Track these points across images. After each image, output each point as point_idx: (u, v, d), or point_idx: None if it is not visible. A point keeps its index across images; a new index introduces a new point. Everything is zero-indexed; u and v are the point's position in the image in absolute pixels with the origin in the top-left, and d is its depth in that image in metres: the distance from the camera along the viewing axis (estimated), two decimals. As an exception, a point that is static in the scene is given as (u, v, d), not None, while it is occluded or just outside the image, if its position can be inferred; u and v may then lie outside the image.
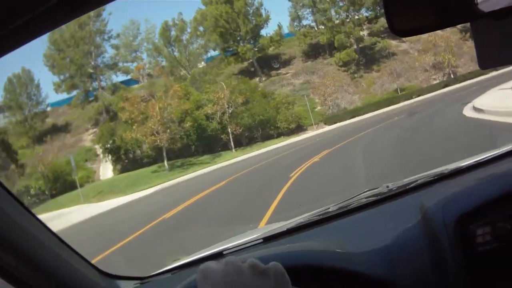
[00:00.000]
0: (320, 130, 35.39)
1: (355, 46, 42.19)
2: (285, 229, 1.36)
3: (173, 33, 41.86)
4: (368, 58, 42.20)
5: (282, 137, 37.35)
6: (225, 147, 37.57)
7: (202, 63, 43.59)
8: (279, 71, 43.03)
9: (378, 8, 43.83)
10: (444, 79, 40.73)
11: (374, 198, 1.38)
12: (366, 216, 1.30)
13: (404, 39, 45.10)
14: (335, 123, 37.33)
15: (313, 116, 38.53)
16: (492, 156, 1.42)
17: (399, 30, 0.71)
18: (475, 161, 1.43)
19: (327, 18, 40.81)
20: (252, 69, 43.16)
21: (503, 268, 0.96)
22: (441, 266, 0.95)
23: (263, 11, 41.99)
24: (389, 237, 1.04)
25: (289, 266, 0.89)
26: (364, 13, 42.77)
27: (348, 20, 41.60)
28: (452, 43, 39.96)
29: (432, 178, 1.37)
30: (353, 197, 1.46)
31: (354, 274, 0.95)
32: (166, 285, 1.27)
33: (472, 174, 1.36)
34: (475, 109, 12.18)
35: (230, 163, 28.11)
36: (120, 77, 45.91)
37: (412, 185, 1.37)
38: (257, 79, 42.57)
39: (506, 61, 0.75)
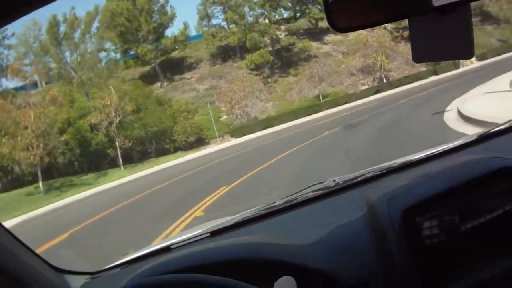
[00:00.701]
0: (224, 144, 30.77)
1: (270, 48, 36.20)
2: (232, 223, 1.38)
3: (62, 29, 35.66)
4: (285, 61, 37.20)
5: (179, 152, 31.58)
6: (113, 163, 31.31)
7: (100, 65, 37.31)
8: (183, 76, 37.08)
9: (298, 7, 38.17)
10: (375, 83, 34.58)
11: (320, 192, 1.40)
12: (311, 210, 1.32)
13: (326, 40, 39.26)
14: (243, 135, 32.88)
15: (218, 127, 32.65)
16: (442, 150, 1.46)
17: (339, 26, 0.73)
18: (425, 155, 1.46)
19: (240, 16, 35.10)
20: (155, 73, 36.85)
21: (451, 260, 1.00)
22: (387, 259, 0.97)
23: (168, 9, 36.41)
24: (334, 230, 1.07)
25: (235, 259, 1.00)
26: (283, 11, 37.06)
27: (263, 17, 35.65)
28: (387, 42, 33.96)
29: (379, 172, 1.39)
30: (300, 191, 1.47)
31: (299, 266, 0.97)
32: (116, 279, 1.27)
33: (421, 168, 1.39)
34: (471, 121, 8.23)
35: (114, 186, 23.72)
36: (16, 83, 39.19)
37: (359, 179, 1.39)
38: (158, 84, 36.33)
39: (439, 57, 0.79)
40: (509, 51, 37.86)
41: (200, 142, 33.55)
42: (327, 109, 33.16)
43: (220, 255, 1.06)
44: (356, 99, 33.55)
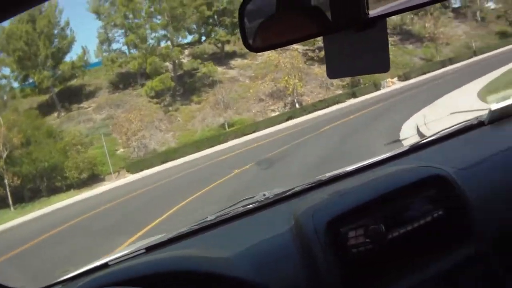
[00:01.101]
0: (119, 182, 28.48)
1: (172, 73, 33.75)
2: (166, 239, 1.44)
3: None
4: (188, 87, 35.57)
5: (72, 190, 28.53)
6: (3, 203, 28.22)
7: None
8: (81, 105, 34.43)
9: (203, 29, 35.85)
10: (287, 109, 32.24)
11: (250, 207, 1.46)
12: (241, 224, 1.38)
13: (233, 64, 37.08)
14: (141, 170, 30.54)
15: (114, 161, 30.52)
16: (373, 162, 1.52)
17: (255, 46, 0.76)
18: (355, 167, 1.51)
19: (141, 38, 32.88)
20: (52, 102, 34.40)
21: (379, 269, 1.07)
22: (313, 270, 1.03)
23: (68, 32, 33.92)
24: (262, 244, 1.13)
25: (167, 272, 1.05)
26: (187, 34, 34.80)
27: (166, 40, 33.45)
28: (300, 64, 31.71)
29: (308, 186, 1.46)
30: (231, 206, 1.54)
31: (227, 278, 1.03)
32: None
33: (349, 180, 1.45)
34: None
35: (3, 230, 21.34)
36: None
37: (288, 193, 1.45)
38: (55, 114, 33.62)
39: (355, 72, 0.86)
40: (435, 69, 35.98)
41: (94, 179, 31.12)
42: (233, 138, 30.81)
43: (153, 268, 1.11)
44: (266, 127, 31.29)
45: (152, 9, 36.50)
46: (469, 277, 1.09)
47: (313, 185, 1.46)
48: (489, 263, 1.10)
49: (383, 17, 0.72)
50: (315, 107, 33.70)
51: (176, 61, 36.59)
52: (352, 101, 33.12)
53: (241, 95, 35.54)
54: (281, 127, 29.38)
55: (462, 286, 1.08)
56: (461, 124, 1.61)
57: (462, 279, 1.08)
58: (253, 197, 1.55)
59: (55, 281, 1.44)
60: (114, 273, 1.11)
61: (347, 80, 35.55)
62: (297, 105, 34.73)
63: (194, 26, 38.34)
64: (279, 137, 20.93)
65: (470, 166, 1.24)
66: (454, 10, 48.15)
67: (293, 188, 1.47)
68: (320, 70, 34.78)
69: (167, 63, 36.66)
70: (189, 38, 39.43)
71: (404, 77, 35.73)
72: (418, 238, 1.09)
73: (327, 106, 33.18)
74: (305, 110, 33.57)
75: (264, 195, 1.51)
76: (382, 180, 1.22)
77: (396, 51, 37.90)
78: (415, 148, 1.55)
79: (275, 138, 20.74)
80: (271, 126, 31.50)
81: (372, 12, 0.70)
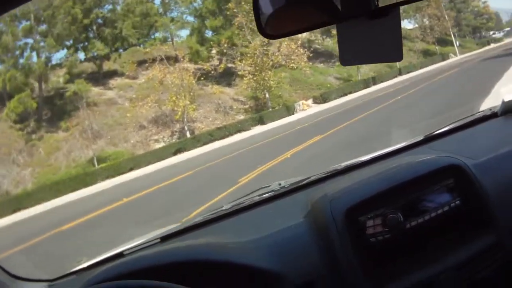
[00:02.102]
0: None
1: (37, 92, 26.69)
2: (181, 228, 1.44)
3: None
4: (56, 111, 27.26)
5: None
6: None
7: None
8: None
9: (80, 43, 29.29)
10: (175, 139, 26.01)
11: (266, 196, 1.47)
12: (258, 213, 1.39)
13: (112, 84, 30.21)
14: None
15: None
16: (388, 152, 1.54)
17: (269, 33, 0.78)
18: (370, 157, 1.52)
19: (2, 47, 25.53)
20: None
21: (396, 257, 1.08)
22: (331, 258, 1.04)
23: None
24: (279, 232, 1.14)
25: (183, 261, 1.05)
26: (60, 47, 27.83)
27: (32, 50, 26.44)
28: (194, 80, 25.80)
29: (324, 175, 1.46)
30: (247, 195, 1.55)
31: (244, 266, 1.04)
32: (71, 285, 1.35)
33: (365, 169, 1.45)
34: None
35: None
36: None
37: (303, 182, 1.45)
38: None
39: (369, 60, 0.85)
40: (357, 89, 31.56)
41: None
42: (104, 179, 23.89)
43: (169, 257, 1.11)
44: (148, 163, 24.59)
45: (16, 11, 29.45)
46: (487, 266, 1.09)
47: (329, 174, 1.46)
48: (506, 253, 1.10)
49: (395, 5, 0.75)
50: (211, 136, 27.55)
51: (41, 76, 29.42)
52: (259, 128, 27.49)
53: (118, 120, 28.81)
54: (168, 164, 22.45)
55: (480, 276, 1.08)
56: (474, 115, 1.64)
57: (480, 268, 1.08)
58: (268, 186, 1.56)
59: (69, 271, 1.45)
60: (129, 262, 1.10)
61: (250, 103, 30.35)
62: (188, 134, 28.50)
63: (67, 40, 31.04)
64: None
65: (484, 156, 1.25)
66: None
67: (309, 177, 1.47)
68: (217, 89, 29.16)
69: (32, 80, 29.42)
70: (63, 53, 32.09)
71: (321, 99, 30.80)
72: (435, 227, 1.10)
73: (227, 136, 27.35)
74: (199, 140, 27.02)
75: (280, 184, 1.52)
76: (400, 169, 1.23)
77: (306, 71, 33.41)
78: (429, 139, 1.58)
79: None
80: (156, 161, 25.02)
81: (383, 1, 0.75)
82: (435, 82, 22.25)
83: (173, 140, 28.24)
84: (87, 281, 1.06)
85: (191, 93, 28.15)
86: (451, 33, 46.95)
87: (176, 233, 1.43)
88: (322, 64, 37.49)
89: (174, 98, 27.66)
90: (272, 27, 0.75)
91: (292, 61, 29.85)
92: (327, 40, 39.05)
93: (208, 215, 1.48)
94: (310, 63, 32.75)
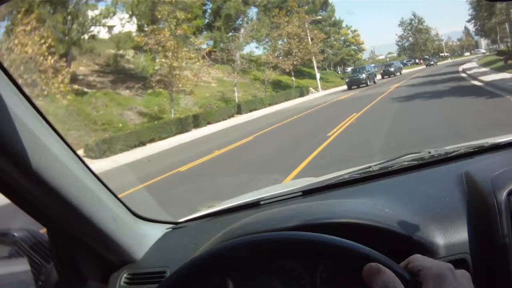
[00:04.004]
0: None
1: None
2: (325, 184, 1.40)
3: None
4: None
5: None
6: None
7: None
8: None
9: None
10: None
11: (416, 162, 1.42)
12: (409, 179, 1.34)
13: None
14: None
15: None
16: None
17: None
18: None
19: None
20: None
21: None
22: (485, 238, 0.97)
23: None
24: (431, 202, 1.09)
25: (327, 223, 1.00)
26: None
27: None
28: None
29: (473, 150, 1.42)
30: (395, 159, 1.52)
31: (392, 233, 0.98)
32: (201, 231, 1.32)
33: None
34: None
35: None
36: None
37: (455, 153, 1.42)
38: None
39: None
40: (163, 136, 19.35)
41: None
42: None
43: (314, 215, 1.07)
44: None
45: None
46: None
47: (476, 149, 1.41)
48: None
49: None
50: None
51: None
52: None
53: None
54: None
55: None
56: None
57: None
58: (417, 152, 1.53)
59: (198, 215, 1.44)
60: (270, 217, 1.07)
61: None
62: None
63: None
64: None
65: None
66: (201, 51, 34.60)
67: (459, 149, 1.43)
68: None
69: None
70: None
71: (97, 151, 17.74)
72: None
73: None
74: None
75: (429, 152, 1.49)
76: None
77: (88, 100, 20.64)
78: None
79: None
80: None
81: None
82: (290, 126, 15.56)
83: None
84: (226, 232, 1.05)
85: None
86: (314, 62, 38.01)
87: (319, 188, 1.38)
88: (128, 91, 25.12)
89: None
90: None
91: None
92: (141, 57, 26.92)
93: (354, 174, 1.43)
94: (86, 89, 20.14)
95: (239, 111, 25.23)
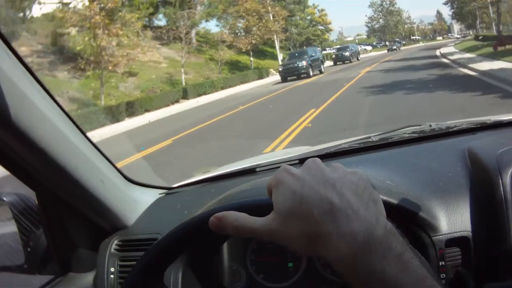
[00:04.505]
0: None
1: None
2: (324, 153, 1.39)
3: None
4: None
5: None
6: None
7: None
8: None
9: None
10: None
11: (416, 135, 1.42)
12: (410, 151, 1.33)
13: None
14: None
15: None
16: None
17: None
18: None
19: None
20: None
21: None
22: (490, 216, 0.95)
23: None
24: (436, 176, 1.06)
25: None
26: None
27: None
28: None
29: (475, 125, 1.41)
30: (395, 130, 1.52)
31: (393, 205, 0.96)
32: (195, 196, 1.31)
33: None
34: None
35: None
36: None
37: (455, 128, 1.42)
38: None
39: None
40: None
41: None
42: None
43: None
44: None
45: None
46: None
47: (478, 126, 1.40)
48: None
49: None
50: None
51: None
52: None
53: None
54: None
55: None
56: None
57: None
58: (418, 125, 1.52)
59: (193, 180, 1.43)
60: (263, 183, 1.02)
61: None
62: None
63: None
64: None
65: None
66: (157, 29, 32.02)
67: (461, 124, 1.43)
68: None
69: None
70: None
71: None
72: None
73: None
74: None
75: (430, 125, 1.48)
76: None
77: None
78: None
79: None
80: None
81: None
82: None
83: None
84: (223, 198, 1.04)
85: None
86: (276, 41, 34.65)
87: (318, 157, 1.20)
88: (66, 73, 21.81)
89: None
90: None
91: None
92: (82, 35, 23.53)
93: (353, 143, 1.44)
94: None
95: (185, 96, 22.32)
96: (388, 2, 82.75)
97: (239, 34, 32.10)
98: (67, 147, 0.92)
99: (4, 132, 0.80)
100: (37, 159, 0.87)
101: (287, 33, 40.69)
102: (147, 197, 1.27)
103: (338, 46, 48.28)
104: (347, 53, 36.14)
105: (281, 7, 36.24)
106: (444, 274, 0.92)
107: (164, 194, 1.35)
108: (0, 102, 0.75)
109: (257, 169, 1.36)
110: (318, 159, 0.54)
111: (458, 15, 55.45)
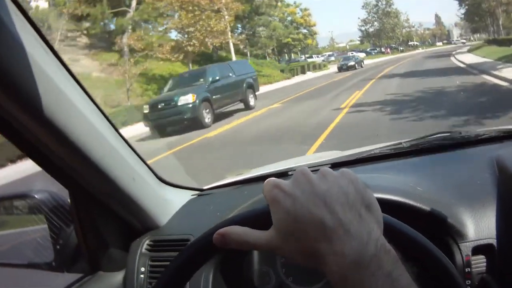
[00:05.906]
0: None
1: None
2: (355, 158, 1.42)
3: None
4: None
5: None
6: None
7: None
8: None
9: None
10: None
11: (447, 142, 1.44)
12: (439, 158, 1.34)
13: None
14: None
15: None
16: None
17: None
18: None
19: None
20: None
21: None
22: None
23: None
24: (464, 183, 1.09)
25: None
26: None
27: None
28: None
29: (503, 134, 1.42)
30: (425, 137, 1.53)
31: (422, 212, 0.98)
32: (227, 198, 1.33)
33: None
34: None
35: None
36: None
37: (484, 136, 1.42)
38: None
39: None
40: None
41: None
42: None
43: None
44: None
45: None
46: None
47: (506, 134, 1.39)
48: None
49: None
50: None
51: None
52: None
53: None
54: None
55: None
56: None
57: None
58: (448, 132, 1.55)
59: (225, 182, 1.45)
60: None
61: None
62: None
63: None
64: None
65: None
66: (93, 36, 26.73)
67: (491, 132, 1.42)
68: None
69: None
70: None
71: None
72: None
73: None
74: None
75: (460, 133, 1.51)
76: None
77: None
78: None
79: None
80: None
81: None
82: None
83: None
84: (255, 202, 1.07)
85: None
86: (231, 47, 26.32)
87: (349, 162, 1.40)
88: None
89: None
90: None
91: None
92: None
93: (385, 149, 1.44)
94: None
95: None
96: (384, 2, 75.20)
97: (184, 36, 23.65)
98: (101, 144, 0.92)
99: (40, 129, 0.80)
100: (72, 156, 0.88)
101: (243, 36, 31.57)
102: (179, 198, 1.29)
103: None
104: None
105: (237, 1, 26.34)
106: (469, 281, 0.92)
107: (196, 196, 1.37)
108: (37, 98, 0.75)
109: (289, 173, 1.36)
110: (306, 169, 0.54)
111: (472, 14, 47.52)
